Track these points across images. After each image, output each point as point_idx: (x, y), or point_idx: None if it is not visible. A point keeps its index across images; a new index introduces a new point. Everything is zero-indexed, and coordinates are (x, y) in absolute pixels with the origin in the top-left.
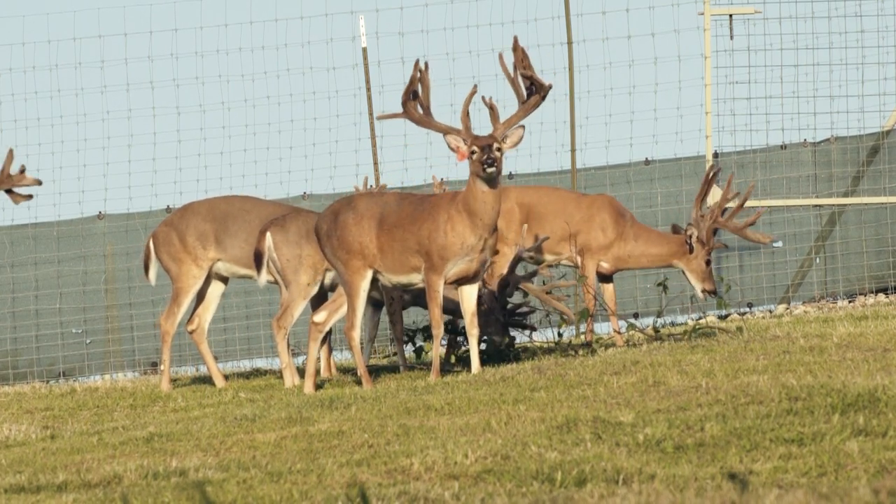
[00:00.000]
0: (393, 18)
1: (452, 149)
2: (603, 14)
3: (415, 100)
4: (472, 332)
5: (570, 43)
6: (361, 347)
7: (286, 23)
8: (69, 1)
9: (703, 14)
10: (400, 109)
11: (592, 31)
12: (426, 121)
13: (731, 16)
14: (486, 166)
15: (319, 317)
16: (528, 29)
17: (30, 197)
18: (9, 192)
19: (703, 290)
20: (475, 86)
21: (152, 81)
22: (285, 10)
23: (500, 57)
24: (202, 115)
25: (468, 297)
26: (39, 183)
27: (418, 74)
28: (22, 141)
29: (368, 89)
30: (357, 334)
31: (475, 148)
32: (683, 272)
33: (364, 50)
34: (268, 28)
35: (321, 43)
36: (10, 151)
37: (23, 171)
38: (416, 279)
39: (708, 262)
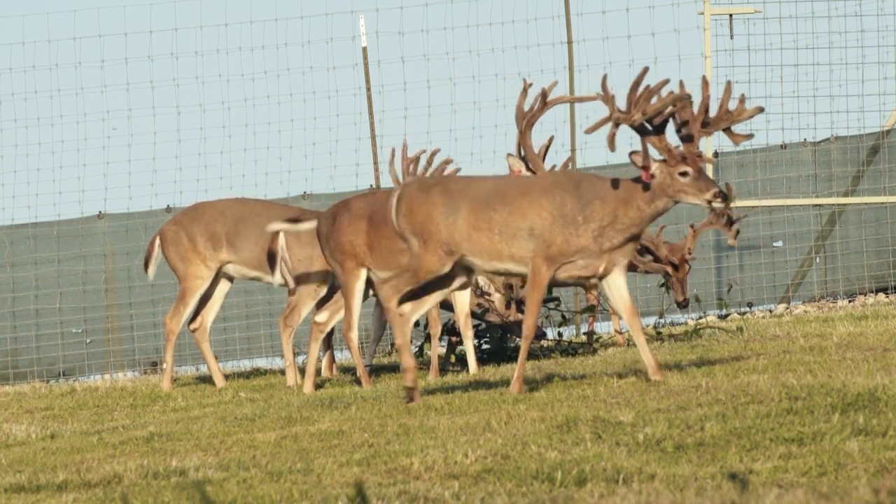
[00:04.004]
0: (393, 18)
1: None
2: (603, 14)
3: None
4: (467, 333)
5: (570, 42)
6: (362, 347)
7: (286, 22)
8: (69, 1)
9: (703, 14)
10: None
11: (592, 31)
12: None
13: (731, 15)
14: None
15: (321, 317)
16: (528, 29)
17: (750, 136)
18: (726, 130)
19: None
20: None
21: (152, 81)
22: (285, 10)
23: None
24: (202, 114)
25: (460, 300)
26: (761, 110)
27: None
28: (22, 141)
29: (368, 89)
30: (355, 335)
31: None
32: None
33: (364, 49)
34: (268, 28)
35: (321, 42)
36: (728, 84)
37: (742, 100)
38: None
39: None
